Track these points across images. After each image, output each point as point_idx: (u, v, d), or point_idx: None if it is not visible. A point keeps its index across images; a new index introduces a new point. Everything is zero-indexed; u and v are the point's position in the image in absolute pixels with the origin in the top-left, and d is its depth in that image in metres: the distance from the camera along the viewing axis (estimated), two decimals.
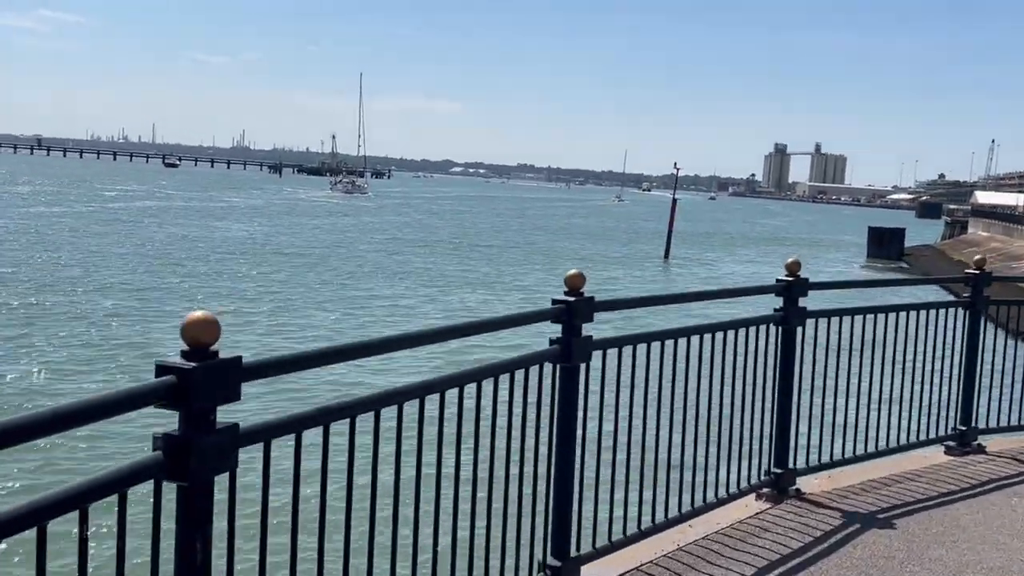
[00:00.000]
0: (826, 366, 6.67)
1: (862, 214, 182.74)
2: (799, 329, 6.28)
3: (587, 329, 4.65)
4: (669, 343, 5.27)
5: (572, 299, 4.58)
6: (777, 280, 6.30)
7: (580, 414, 4.66)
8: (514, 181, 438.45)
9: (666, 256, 53.74)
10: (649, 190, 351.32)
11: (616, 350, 4.96)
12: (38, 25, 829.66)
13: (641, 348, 5.10)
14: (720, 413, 5.71)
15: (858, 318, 6.75)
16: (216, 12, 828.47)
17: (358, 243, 51.01)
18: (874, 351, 6.91)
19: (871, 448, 6.95)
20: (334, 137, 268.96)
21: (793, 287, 6.24)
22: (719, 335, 5.68)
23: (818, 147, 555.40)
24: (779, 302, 6.24)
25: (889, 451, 7.12)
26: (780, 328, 6.22)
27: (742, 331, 5.86)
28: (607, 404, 5.17)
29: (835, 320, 6.60)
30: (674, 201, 55.44)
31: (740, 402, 5.95)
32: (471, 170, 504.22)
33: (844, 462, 6.77)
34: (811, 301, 6.37)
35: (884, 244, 62.96)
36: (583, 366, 4.65)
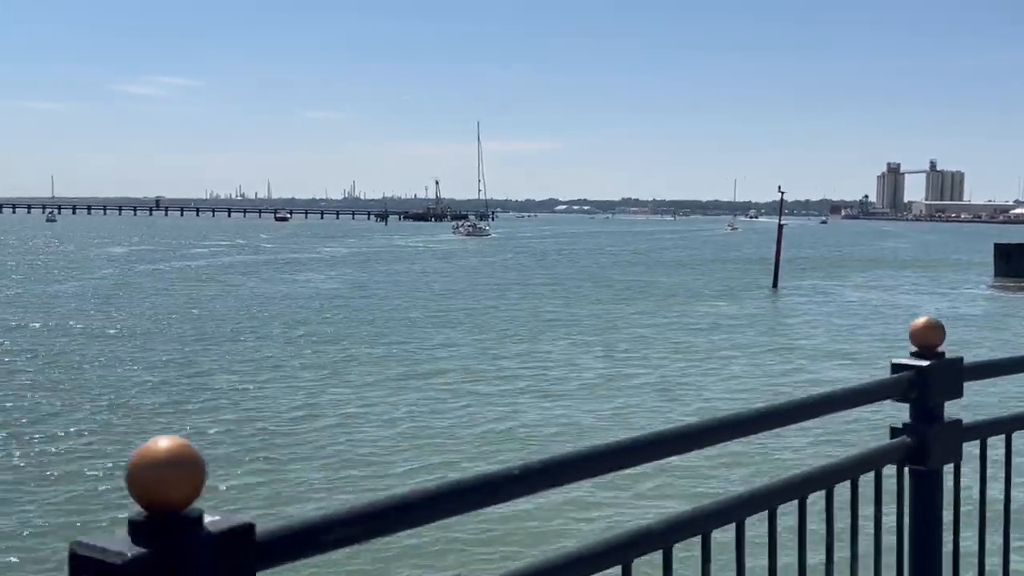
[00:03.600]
0: None
1: (984, 231, 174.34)
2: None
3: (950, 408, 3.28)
4: None
5: (927, 363, 3.16)
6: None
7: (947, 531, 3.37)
8: (619, 215, 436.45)
9: (774, 285, 51.26)
10: (756, 217, 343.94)
11: (1003, 438, 3.51)
12: (156, 91, 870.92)
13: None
14: None
15: None
16: (324, 68, 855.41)
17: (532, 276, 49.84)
18: None
19: None
20: (437, 183, 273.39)
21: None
22: None
23: (933, 164, 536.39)
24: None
25: None
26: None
27: None
28: (991, 510, 3.57)
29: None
30: (780, 227, 52.57)
31: None
32: (575, 207, 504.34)
33: None
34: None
35: (1012, 260, 58.50)
36: (950, 467, 3.28)
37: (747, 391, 21.44)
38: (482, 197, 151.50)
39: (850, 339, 31.31)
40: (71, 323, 32.12)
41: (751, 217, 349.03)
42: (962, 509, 3.46)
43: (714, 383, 22.84)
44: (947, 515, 3.30)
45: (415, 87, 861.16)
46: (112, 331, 30.30)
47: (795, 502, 2.68)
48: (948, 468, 3.27)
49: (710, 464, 13.78)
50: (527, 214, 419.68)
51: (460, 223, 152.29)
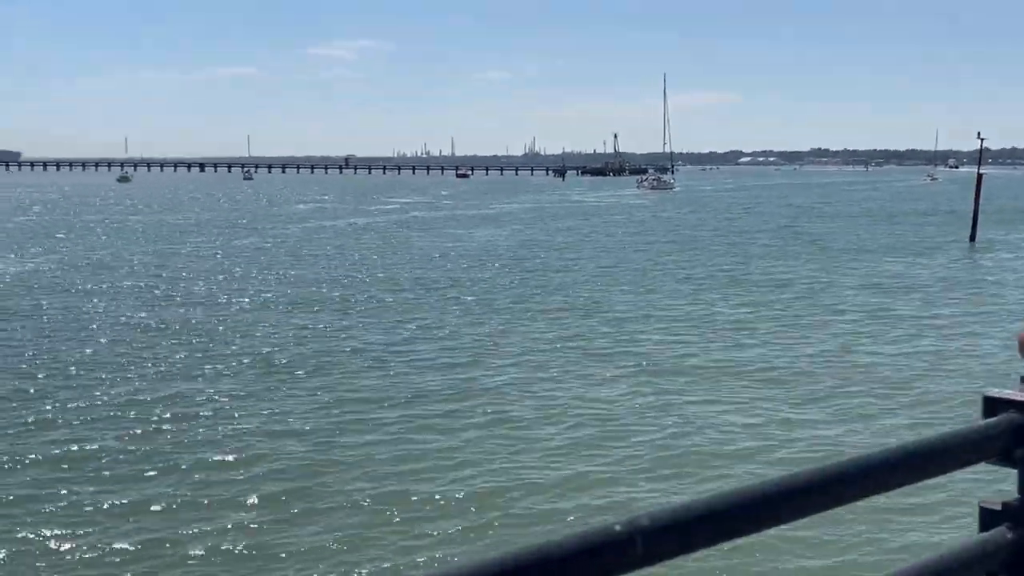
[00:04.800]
0: None
1: None
2: None
3: None
4: None
5: None
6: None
7: None
8: (807, 167, 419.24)
9: (972, 239, 47.65)
10: (957, 167, 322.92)
11: None
12: (346, 54, 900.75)
13: None
14: None
15: None
16: (507, 28, 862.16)
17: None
18: None
19: None
20: (616, 137, 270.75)
21: None
22: None
23: None
24: None
25: None
26: None
27: None
28: None
29: None
30: (979, 176, 48.67)
31: None
32: (760, 159, 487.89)
33: None
34: None
35: None
36: None
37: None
38: (667, 150, 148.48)
39: None
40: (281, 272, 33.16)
41: (951, 167, 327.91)
42: None
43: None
44: None
45: (596, 45, 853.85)
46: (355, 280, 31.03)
47: None
48: None
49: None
50: (708, 167, 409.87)
51: (644, 177, 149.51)
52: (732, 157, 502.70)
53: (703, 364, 19.39)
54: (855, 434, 14.57)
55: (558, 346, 21.13)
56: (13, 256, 40.36)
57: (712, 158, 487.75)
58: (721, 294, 29.73)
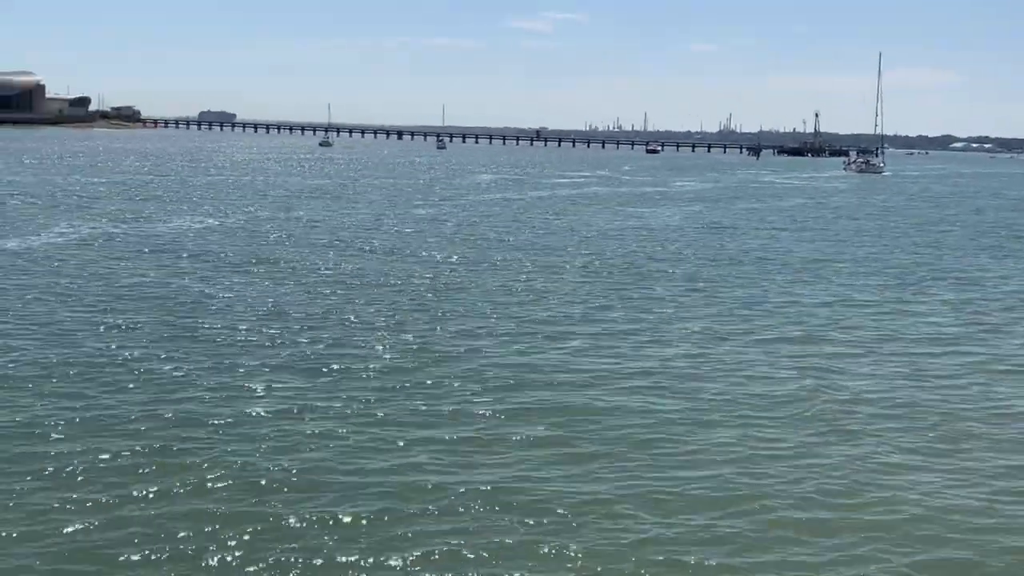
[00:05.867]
0: None
1: None
2: None
3: None
4: None
5: None
6: None
7: None
8: None
9: None
10: None
11: None
12: (543, 26, 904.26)
13: None
14: None
15: None
16: (708, 2, 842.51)
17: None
18: None
19: None
20: (817, 116, 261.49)
21: None
22: None
23: None
24: None
25: None
26: None
27: None
28: None
29: None
30: None
31: None
32: (974, 145, 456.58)
33: None
34: None
35: None
36: None
37: None
38: (877, 131, 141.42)
39: None
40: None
41: None
42: None
43: None
44: None
45: (807, 18, 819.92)
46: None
47: None
48: None
49: None
50: (916, 151, 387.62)
51: (851, 158, 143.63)
52: (943, 142, 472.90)
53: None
54: None
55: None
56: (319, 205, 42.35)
57: (920, 142, 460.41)
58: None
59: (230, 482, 11.39)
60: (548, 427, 13.85)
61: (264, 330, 19.21)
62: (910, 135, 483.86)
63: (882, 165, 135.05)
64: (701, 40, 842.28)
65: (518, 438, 13.30)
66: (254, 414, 13.91)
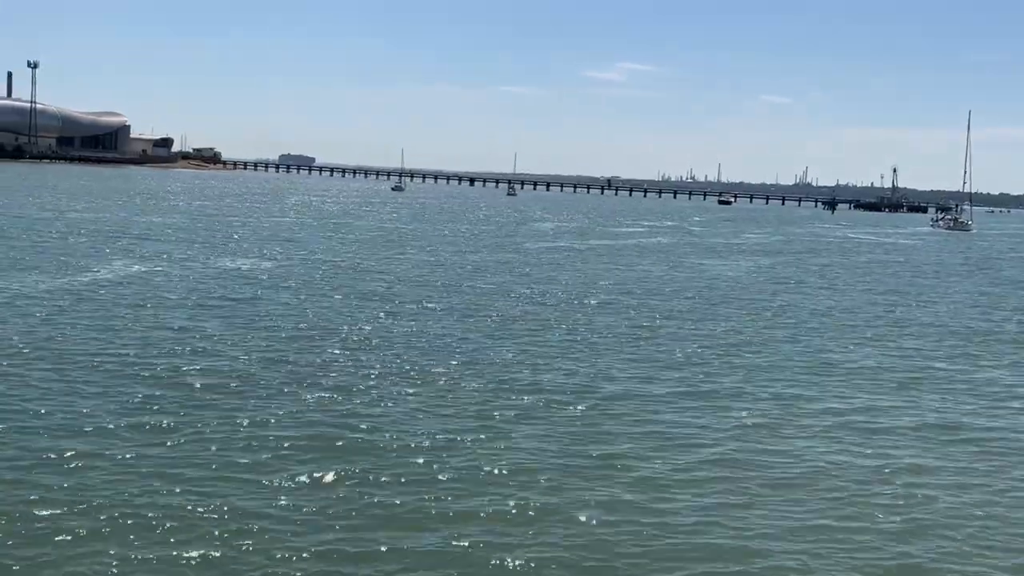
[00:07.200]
0: None
1: None
2: None
3: None
4: None
5: None
6: None
7: None
8: None
9: None
10: None
11: None
12: (616, 76, 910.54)
13: None
14: None
15: None
16: (781, 53, 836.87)
17: None
18: None
19: None
20: (895, 170, 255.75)
21: None
22: None
23: None
24: None
25: None
26: None
27: None
28: None
29: None
30: None
31: None
32: None
33: None
34: None
35: None
36: None
37: None
38: (966, 189, 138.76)
39: None
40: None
41: None
42: None
43: None
44: None
45: (878, 72, 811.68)
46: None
47: None
48: None
49: None
50: (999, 209, 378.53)
51: (941, 215, 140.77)
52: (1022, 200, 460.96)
53: None
54: None
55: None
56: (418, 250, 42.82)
57: (1003, 200, 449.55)
58: None
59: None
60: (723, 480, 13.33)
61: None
62: (991, 192, 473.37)
63: (970, 223, 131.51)
64: (774, 92, 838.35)
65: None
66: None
